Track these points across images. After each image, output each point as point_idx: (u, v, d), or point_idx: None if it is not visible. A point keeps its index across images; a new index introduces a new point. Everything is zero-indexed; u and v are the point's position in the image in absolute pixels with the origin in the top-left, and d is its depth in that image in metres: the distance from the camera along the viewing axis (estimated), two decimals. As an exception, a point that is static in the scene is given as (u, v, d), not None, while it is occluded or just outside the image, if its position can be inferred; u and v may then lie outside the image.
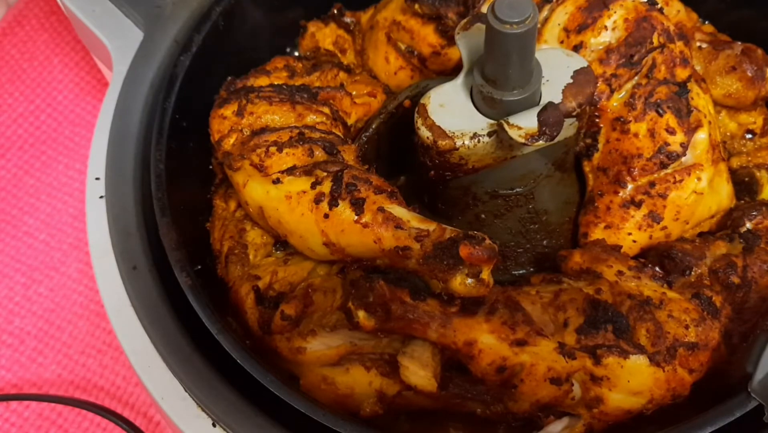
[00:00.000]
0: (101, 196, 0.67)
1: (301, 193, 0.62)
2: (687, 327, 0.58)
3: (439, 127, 0.62)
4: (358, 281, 0.60)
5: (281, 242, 0.70)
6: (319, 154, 0.65)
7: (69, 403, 0.90)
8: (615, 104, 0.68)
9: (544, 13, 0.70)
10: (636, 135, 0.67)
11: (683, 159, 0.67)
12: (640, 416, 0.59)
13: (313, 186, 0.62)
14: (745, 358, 0.56)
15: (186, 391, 0.59)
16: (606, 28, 0.68)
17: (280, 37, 0.82)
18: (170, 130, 0.67)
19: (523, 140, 0.58)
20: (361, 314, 0.58)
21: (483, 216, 0.69)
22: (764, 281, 0.63)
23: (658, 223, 0.67)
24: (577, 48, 0.68)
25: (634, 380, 0.57)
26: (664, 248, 0.66)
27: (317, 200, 0.61)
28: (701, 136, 0.67)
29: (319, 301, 0.63)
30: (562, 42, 0.69)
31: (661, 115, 0.67)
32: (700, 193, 0.67)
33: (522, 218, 0.70)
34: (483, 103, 0.62)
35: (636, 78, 0.68)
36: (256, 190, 0.65)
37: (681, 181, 0.67)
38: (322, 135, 0.67)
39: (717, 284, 0.63)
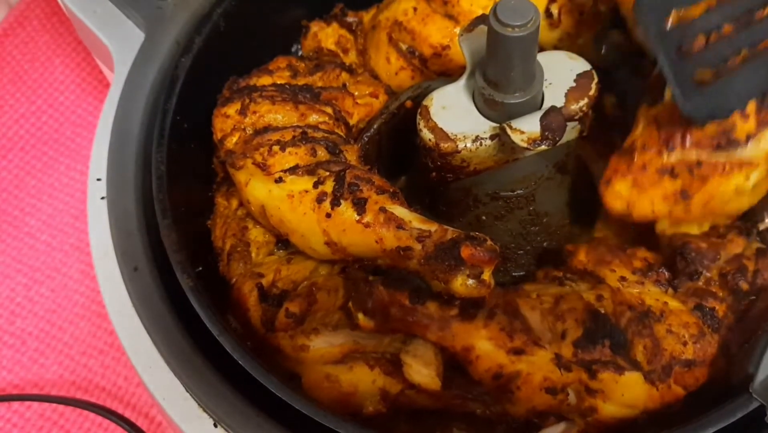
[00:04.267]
0: (103, 198, 0.67)
1: (303, 192, 0.62)
2: (685, 344, 0.58)
3: (441, 129, 0.62)
4: (358, 284, 0.60)
5: (283, 241, 0.70)
6: (322, 153, 0.65)
7: (70, 403, 0.90)
8: None
9: None
10: None
11: (741, 150, 0.60)
12: (636, 421, 0.59)
13: (316, 185, 0.62)
14: (747, 359, 0.55)
15: (187, 391, 0.59)
16: None
17: (281, 38, 0.82)
18: (171, 132, 0.67)
19: (525, 145, 0.58)
20: (360, 316, 0.58)
21: (484, 217, 0.69)
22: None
23: (686, 201, 0.62)
24: None
25: (628, 394, 0.57)
26: (679, 242, 0.63)
27: (319, 200, 0.61)
28: None
29: (322, 299, 0.63)
30: None
31: None
32: (741, 193, 0.62)
33: (522, 220, 0.70)
34: (485, 105, 0.62)
35: None
36: (258, 189, 0.65)
37: (729, 172, 0.60)
38: (325, 135, 0.67)
39: (725, 289, 0.61)
